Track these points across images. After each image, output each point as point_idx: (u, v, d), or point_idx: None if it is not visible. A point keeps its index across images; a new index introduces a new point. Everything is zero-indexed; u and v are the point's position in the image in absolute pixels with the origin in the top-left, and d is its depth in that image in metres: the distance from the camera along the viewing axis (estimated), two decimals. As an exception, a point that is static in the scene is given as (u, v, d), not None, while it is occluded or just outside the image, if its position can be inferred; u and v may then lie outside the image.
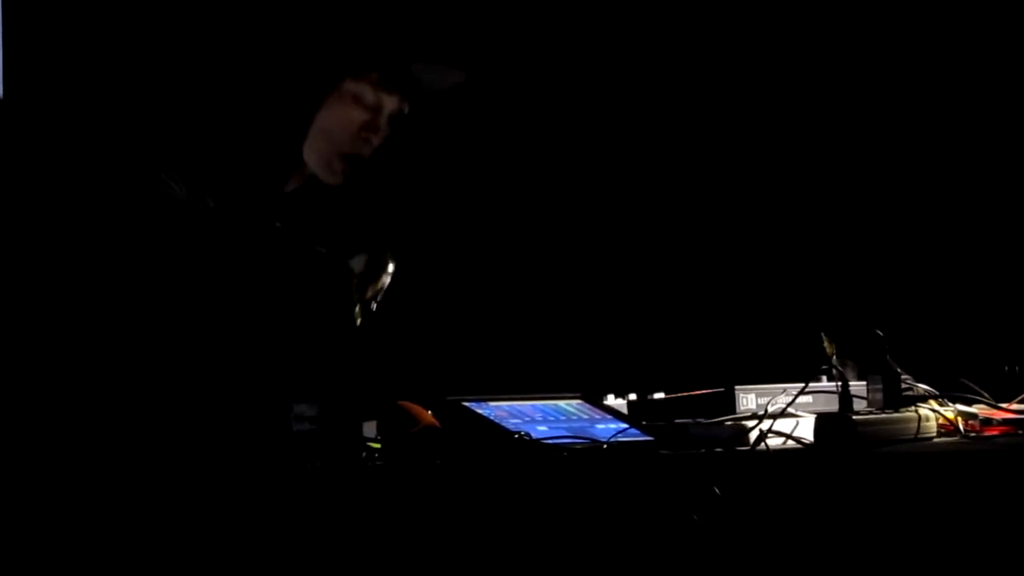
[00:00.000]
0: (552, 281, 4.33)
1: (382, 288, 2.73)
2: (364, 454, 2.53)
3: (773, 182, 4.42)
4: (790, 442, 2.58)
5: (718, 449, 2.50)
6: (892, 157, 4.37)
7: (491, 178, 4.31)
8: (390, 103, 2.79)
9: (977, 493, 2.32)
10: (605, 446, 2.51)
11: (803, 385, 2.81)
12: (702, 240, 4.41)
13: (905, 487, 2.33)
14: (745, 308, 4.33)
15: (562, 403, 2.80)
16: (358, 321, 2.67)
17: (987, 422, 2.75)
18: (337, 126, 2.77)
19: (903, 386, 2.80)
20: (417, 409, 2.61)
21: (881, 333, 2.82)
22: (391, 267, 2.73)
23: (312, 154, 2.80)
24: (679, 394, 2.98)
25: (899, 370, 2.81)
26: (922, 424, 2.67)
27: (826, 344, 2.85)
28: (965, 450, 2.56)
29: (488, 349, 4.16)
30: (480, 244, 4.27)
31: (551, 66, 4.34)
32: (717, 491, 2.27)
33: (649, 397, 3.05)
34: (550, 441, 2.49)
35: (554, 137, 4.37)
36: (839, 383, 2.79)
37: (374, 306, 2.73)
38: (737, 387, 2.90)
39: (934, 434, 2.70)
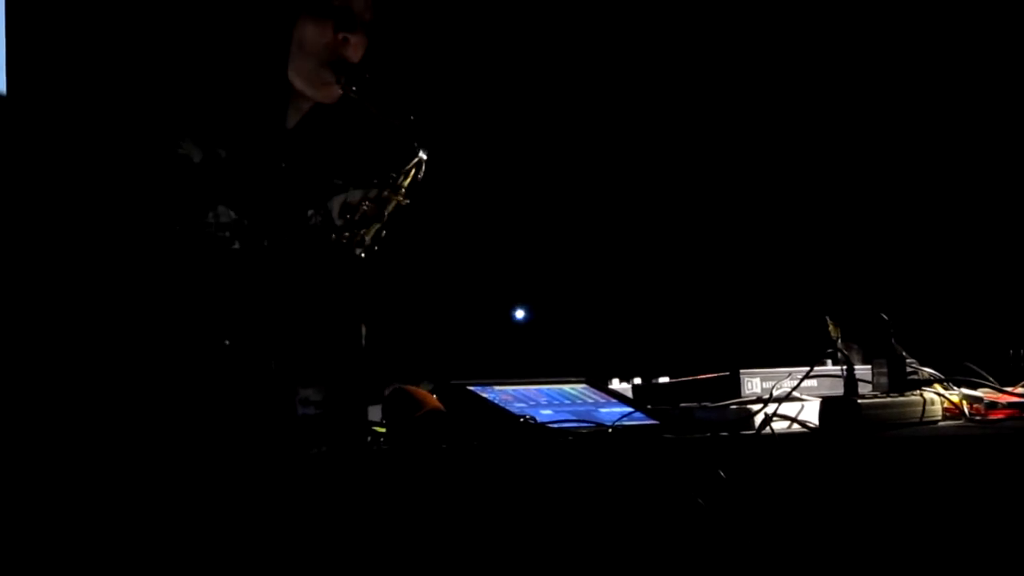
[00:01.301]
0: (557, 266, 4.33)
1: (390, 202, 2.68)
2: (369, 438, 2.53)
3: (778, 168, 4.41)
4: (795, 426, 2.58)
5: (723, 433, 2.50)
6: (896, 143, 4.37)
7: (499, 164, 4.31)
8: (356, 2, 2.81)
9: (982, 477, 2.32)
10: (610, 430, 2.51)
11: (808, 369, 2.81)
12: (707, 225, 4.41)
13: (910, 471, 2.33)
14: (750, 292, 4.33)
15: (567, 387, 2.80)
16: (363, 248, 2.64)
17: (992, 406, 2.75)
18: (311, 37, 2.79)
19: (908, 370, 2.80)
20: (422, 393, 2.61)
21: (886, 317, 2.82)
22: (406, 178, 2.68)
23: (299, 77, 2.81)
24: (684, 378, 2.98)
25: (904, 354, 2.81)
26: (927, 408, 2.67)
27: (831, 328, 2.84)
28: (970, 434, 2.56)
29: (493, 334, 4.17)
30: (487, 229, 4.27)
31: (561, 52, 4.34)
32: (722, 475, 2.27)
33: (654, 381, 3.04)
34: (555, 425, 2.49)
35: (560, 123, 4.36)
36: (844, 367, 2.78)
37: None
38: (742, 371, 2.89)
39: (939, 418, 2.70)
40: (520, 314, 3.02)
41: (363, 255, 2.62)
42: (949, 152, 4.32)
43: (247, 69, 2.80)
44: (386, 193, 2.64)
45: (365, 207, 2.62)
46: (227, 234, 2.66)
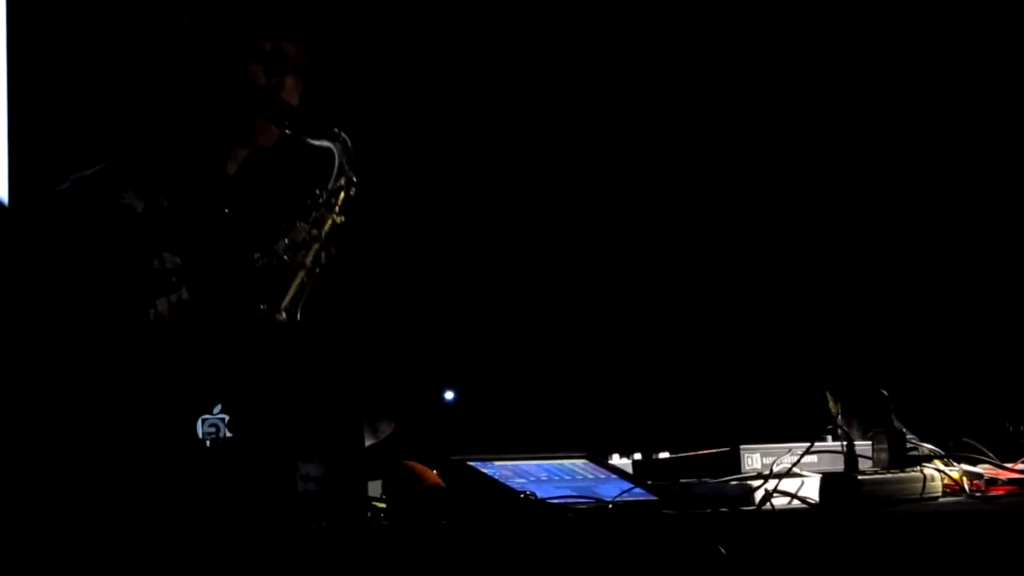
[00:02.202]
0: (558, 340, 4.34)
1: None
2: (369, 514, 2.53)
3: (778, 242, 4.43)
4: (795, 502, 2.58)
5: (723, 509, 2.49)
6: (893, 216, 4.39)
7: (497, 232, 4.32)
8: (288, 47, 2.85)
9: (984, 554, 2.31)
10: (610, 506, 2.51)
11: (808, 444, 2.81)
12: (707, 300, 4.42)
13: (911, 548, 2.33)
14: (750, 367, 4.33)
15: (567, 462, 2.80)
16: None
17: (992, 482, 2.74)
18: (249, 82, 2.82)
19: (908, 446, 2.80)
20: (422, 469, 2.61)
21: (886, 392, 2.82)
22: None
23: (240, 122, 2.84)
24: (684, 453, 2.98)
25: (904, 429, 2.81)
26: (927, 484, 2.66)
27: (831, 403, 2.85)
28: (971, 510, 2.55)
29: (494, 408, 4.16)
30: (486, 304, 4.28)
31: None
32: (723, 551, 2.26)
33: (654, 456, 3.04)
34: (555, 501, 2.49)
35: (556, 181, 4.38)
36: (844, 443, 2.78)
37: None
38: (742, 446, 2.89)
39: (939, 494, 2.69)
40: (449, 395, 3.02)
41: (305, 278, 2.65)
42: (944, 229, 4.34)
43: (185, 117, 2.84)
44: (321, 212, 2.69)
45: (305, 232, 2.67)
46: (173, 279, 2.68)
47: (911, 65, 4.35)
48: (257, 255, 2.76)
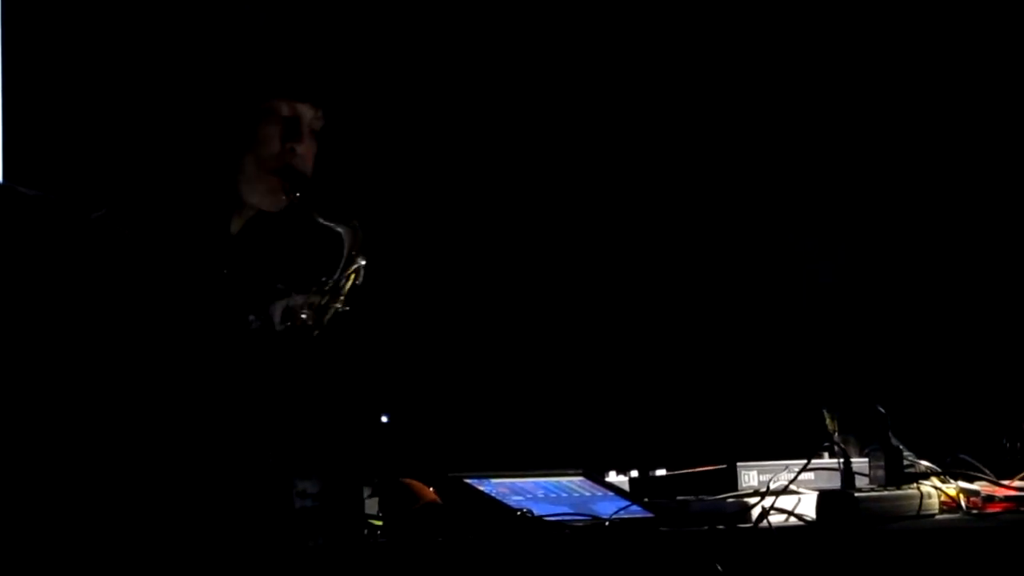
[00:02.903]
0: (555, 357, 4.34)
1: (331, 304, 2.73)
2: (366, 531, 2.53)
3: (775, 259, 4.43)
4: (792, 519, 2.58)
5: (720, 526, 2.49)
6: (890, 233, 4.39)
7: (496, 247, 4.32)
8: (305, 112, 2.83)
9: (980, 570, 2.31)
10: (607, 523, 2.51)
11: (805, 462, 2.81)
12: (704, 317, 4.42)
13: (908, 565, 2.33)
14: (747, 385, 4.33)
15: (564, 479, 2.80)
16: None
17: (989, 499, 2.75)
18: (260, 146, 2.81)
19: (905, 463, 2.80)
20: (419, 486, 2.61)
21: (883, 409, 2.82)
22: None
23: (245, 185, 2.82)
24: (681, 471, 2.98)
25: (901, 447, 2.81)
26: (924, 501, 2.66)
27: (828, 421, 2.85)
28: (968, 527, 2.55)
29: (490, 425, 4.16)
30: (483, 319, 4.28)
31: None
32: (720, 568, 2.26)
33: (651, 473, 3.04)
34: (552, 518, 2.49)
35: (551, 196, 4.39)
36: (841, 460, 2.78)
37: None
38: (739, 464, 2.89)
39: (936, 511, 2.69)
40: (383, 418, 3.04)
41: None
42: (941, 244, 4.34)
43: (193, 175, 2.82)
44: (325, 300, 2.68)
45: (304, 315, 2.66)
46: (167, 332, 2.67)
47: (905, 76, 4.36)
48: (252, 317, 2.76)
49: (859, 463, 2.81)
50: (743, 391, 4.32)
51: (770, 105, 4.43)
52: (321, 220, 2.75)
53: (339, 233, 2.73)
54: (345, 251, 2.72)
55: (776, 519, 2.54)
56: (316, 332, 2.66)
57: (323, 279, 2.71)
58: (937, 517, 2.68)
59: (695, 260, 4.45)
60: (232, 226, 2.86)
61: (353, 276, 2.71)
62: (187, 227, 2.75)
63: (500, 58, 4.31)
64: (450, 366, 4.20)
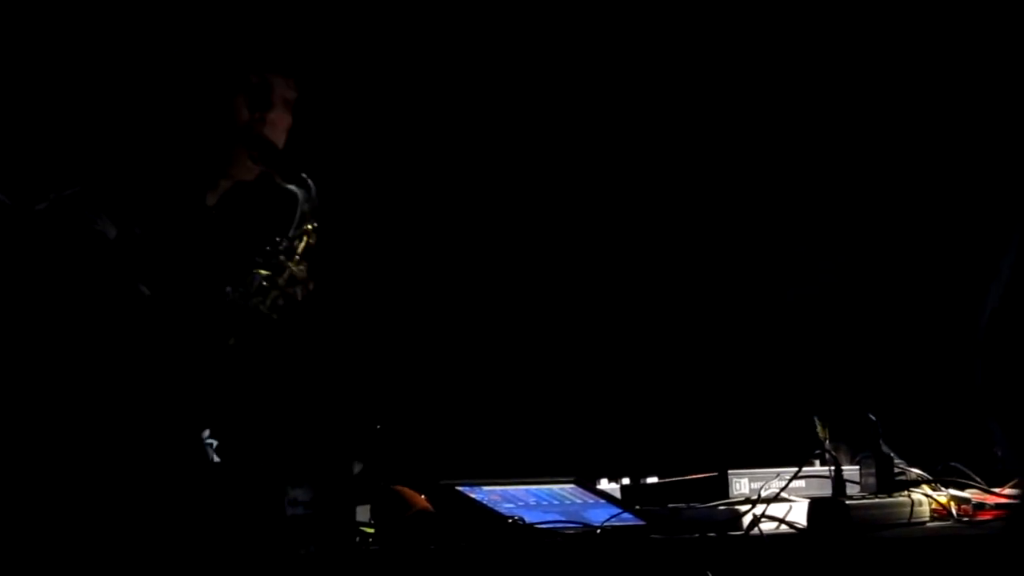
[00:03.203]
0: (547, 365, 4.34)
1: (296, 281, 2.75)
2: (358, 539, 2.53)
3: (766, 267, 4.44)
4: (783, 527, 2.58)
5: (711, 534, 2.49)
6: (881, 240, 4.40)
7: (487, 253, 4.32)
8: (276, 82, 2.85)
9: (971, 578, 2.32)
10: (598, 531, 2.51)
11: (796, 469, 2.81)
12: (695, 324, 4.42)
13: (899, 572, 2.33)
14: (738, 392, 4.33)
15: (556, 487, 2.80)
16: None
17: (980, 507, 2.75)
18: (230, 115, 2.82)
19: (896, 470, 2.80)
20: (411, 493, 2.61)
21: (874, 417, 2.83)
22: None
23: (218, 154, 2.83)
24: (672, 478, 2.98)
25: (892, 454, 2.81)
26: (915, 509, 2.67)
27: (819, 428, 2.85)
28: (958, 535, 2.55)
29: (482, 432, 4.16)
30: (476, 328, 4.28)
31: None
32: (711, 576, 2.26)
33: (642, 481, 3.04)
34: (543, 526, 2.49)
35: (547, 202, 4.39)
36: (832, 467, 2.79)
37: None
38: (730, 471, 2.89)
39: (927, 519, 2.70)
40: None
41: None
42: (933, 253, 4.35)
43: (165, 144, 2.84)
44: (281, 259, 2.70)
45: (264, 279, 2.68)
46: (144, 308, 2.68)
47: (904, 79, 4.36)
48: (229, 289, 2.76)
49: (850, 471, 2.81)
50: (734, 399, 4.32)
51: (767, 107, 4.43)
52: (279, 182, 2.77)
53: (296, 192, 2.76)
54: (298, 210, 2.75)
55: (767, 527, 2.54)
56: (276, 294, 2.68)
57: (277, 238, 2.73)
58: (928, 525, 2.68)
59: (686, 268, 4.45)
60: (208, 199, 2.87)
61: (306, 237, 2.73)
62: (164, 202, 2.77)
63: (498, 54, 4.31)
64: (442, 374, 4.20)
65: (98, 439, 2.53)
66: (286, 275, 2.71)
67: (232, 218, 2.89)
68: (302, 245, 2.74)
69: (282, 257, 2.72)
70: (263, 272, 2.70)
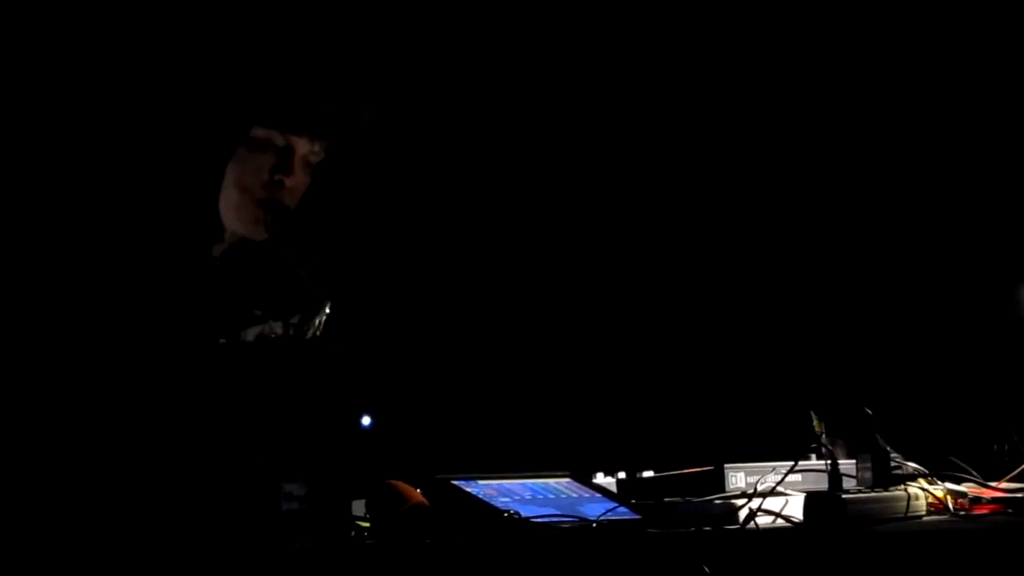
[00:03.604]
0: (542, 358, 4.34)
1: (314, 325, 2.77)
2: (353, 533, 2.52)
3: (762, 260, 4.44)
4: (779, 521, 2.58)
5: (707, 528, 2.49)
6: (878, 234, 4.40)
7: (484, 248, 4.32)
8: (301, 145, 2.76)
9: (967, 572, 2.32)
10: (594, 525, 2.50)
11: (792, 463, 2.81)
12: (691, 319, 4.42)
13: (895, 566, 2.33)
14: (734, 386, 4.33)
15: (551, 481, 2.79)
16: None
17: (976, 501, 2.75)
18: (247, 174, 2.73)
19: (892, 464, 2.80)
20: (406, 487, 2.60)
21: (870, 411, 2.83)
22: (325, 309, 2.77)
23: (229, 211, 2.76)
24: (668, 472, 2.98)
25: (888, 448, 2.81)
26: (911, 503, 2.67)
27: (815, 422, 2.85)
28: (955, 529, 2.56)
29: (478, 426, 4.16)
30: (470, 321, 4.28)
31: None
32: (707, 570, 2.26)
33: (638, 475, 3.04)
34: (539, 520, 2.49)
35: (539, 195, 4.39)
36: (828, 461, 2.79)
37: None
38: (726, 465, 2.89)
39: (923, 513, 2.70)
40: (366, 420, 3.04)
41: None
42: (930, 247, 4.35)
43: (178, 197, 2.78)
44: (294, 334, 2.70)
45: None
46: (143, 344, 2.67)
47: (902, 81, 4.36)
48: (222, 341, 2.73)
49: (847, 465, 2.81)
50: (730, 393, 4.32)
51: (763, 106, 4.43)
52: (291, 259, 2.74)
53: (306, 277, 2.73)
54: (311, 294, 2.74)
55: (763, 521, 2.54)
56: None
57: (292, 320, 2.72)
58: (924, 519, 2.68)
59: (682, 262, 4.45)
60: (214, 250, 2.82)
61: (318, 321, 2.74)
62: (168, 246, 2.72)
63: (496, 57, 4.31)
64: (437, 368, 4.20)
65: (85, 431, 2.53)
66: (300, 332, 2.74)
67: (238, 270, 2.84)
68: (312, 330, 2.75)
69: (296, 334, 2.73)
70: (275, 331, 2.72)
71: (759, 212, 4.46)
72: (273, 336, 2.69)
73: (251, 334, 2.73)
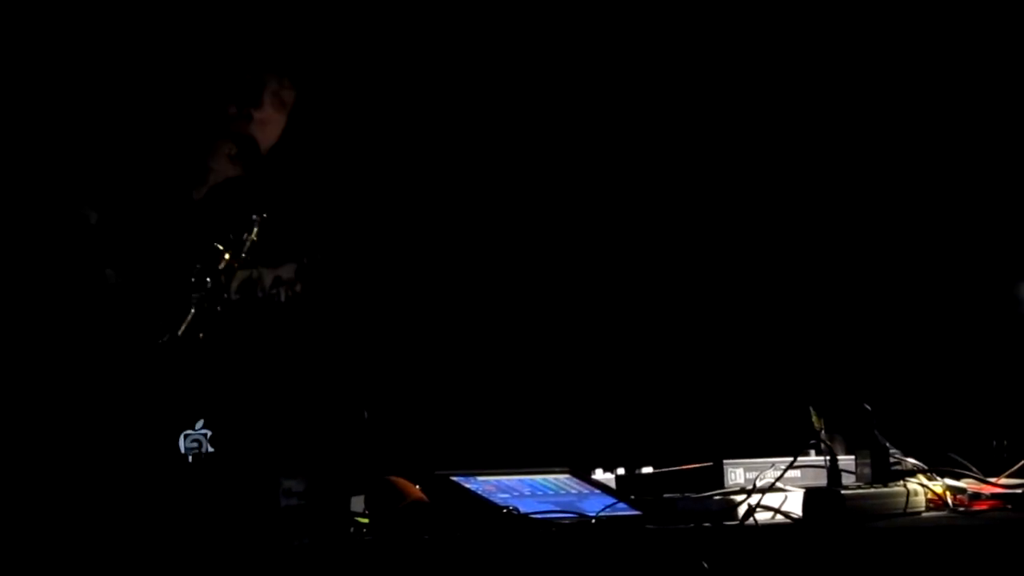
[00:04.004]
0: (541, 354, 4.33)
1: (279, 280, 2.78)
2: (352, 529, 2.52)
3: (762, 256, 4.43)
4: (779, 516, 2.58)
5: (706, 524, 2.49)
6: (881, 231, 4.39)
7: (483, 243, 4.32)
8: (270, 80, 2.83)
9: (966, 568, 2.32)
10: (593, 521, 2.51)
11: (791, 459, 2.81)
12: (691, 314, 4.42)
13: (894, 562, 2.33)
14: (733, 382, 4.33)
15: (550, 477, 2.80)
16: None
17: (976, 497, 2.75)
18: (218, 109, 2.80)
19: (891, 460, 2.80)
20: (405, 484, 2.60)
21: (869, 407, 2.82)
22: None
23: (203, 147, 2.83)
24: (667, 468, 2.98)
25: (887, 444, 2.81)
26: (911, 499, 2.67)
27: (814, 418, 2.85)
28: (954, 525, 2.55)
29: (477, 422, 4.16)
30: (470, 317, 4.28)
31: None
32: (705, 566, 2.26)
33: (637, 471, 3.04)
34: (538, 516, 2.49)
35: (540, 190, 4.38)
36: (827, 457, 2.79)
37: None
38: (725, 461, 2.89)
39: (923, 509, 2.70)
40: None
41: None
42: (929, 243, 4.34)
43: (159, 139, 2.83)
44: (228, 255, 2.71)
45: (273, 289, 2.69)
46: (111, 293, 2.69)
47: (900, 81, 4.36)
48: (208, 280, 2.76)
49: (846, 461, 2.81)
50: (730, 389, 4.32)
51: (764, 102, 4.43)
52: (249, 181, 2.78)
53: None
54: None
55: (762, 516, 2.54)
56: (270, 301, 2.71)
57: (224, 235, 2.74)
58: (923, 515, 2.68)
59: (681, 258, 4.44)
60: (195, 193, 2.86)
61: (252, 234, 2.75)
62: (147, 192, 2.76)
63: (496, 54, 4.31)
64: (436, 364, 4.19)
65: (73, 430, 2.53)
66: (223, 264, 2.72)
67: (220, 213, 2.87)
68: (247, 244, 2.74)
69: (230, 251, 2.73)
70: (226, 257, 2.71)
71: (758, 208, 4.45)
72: (258, 284, 2.70)
73: (236, 281, 2.75)
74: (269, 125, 2.83)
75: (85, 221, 2.68)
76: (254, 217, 2.76)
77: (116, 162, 2.79)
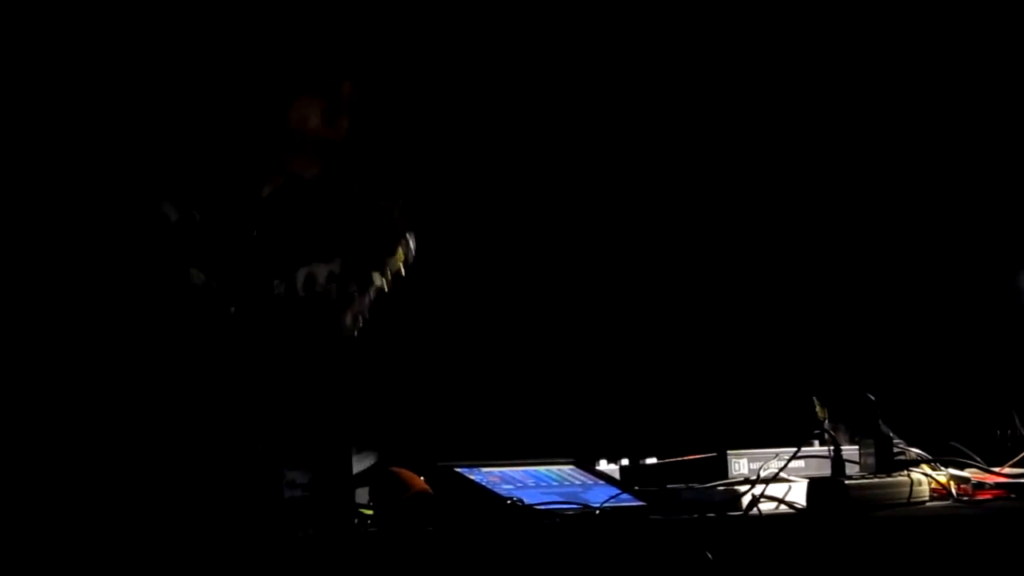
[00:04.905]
0: (545, 345, 4.33)
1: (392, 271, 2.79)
2: (356, 521, 2.52)
3: (765, 247, 4.43)
4: (783, 507, 2.58)
5: (710, 514, 2.50)
6: (883, 222, 4.39)
7: (487, 238, 4.32)
8: (345, 86, 2.85)
9: (970, 558, 2.32)
10: (597, 511, 2.51)
11: (795, 450, 2.81)
12: (694, 305, 4.42)
13: (898, 552, 2.33)
14: (737, 373, 4.33)
15: (554, 468, 2.80)
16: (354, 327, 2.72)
17: (980, 486, 2.75)
18: (299, 114, 2.81)
19: (895, 450, 2.80)
20: (409, 475, 2.60)
21: (873, 397, 2.82)
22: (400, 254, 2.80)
23: (283, 151, 2.83)
24: (671, 459, 2.98)
25: (891, 434, 2.81)
26: (915, 488, 2.67)
27: (818, 408, 2.85)
28: (958, 514, 2.56)
29: (481, 414, 4.16)
30: (473, 307, 4.28)
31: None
32: (710, 556, 2.26)
33: (641, 462, 3.04)
34: (542, 507, 2.49)
35: (546, 192, 4.38)
36: (831, 448, 2.79)
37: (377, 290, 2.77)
38: (729, 452, 2.89)
39: (927, 498, 2.70)
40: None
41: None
42: (933, 236, 4.34)
43: (230, 136, 2.83)
44: (378, 283, 2.71)
45: (327, 285, 2.69)
46: (198, 297, 2.68)
47: (899, 80, 4.36)
48: (277, 281, 2.77)
49: (849, 451, 2.81)
50: (733, 379, 4.32)
51: (763, 97, 4.43)
52: (363, 193, 2.79)
53: (382, 208, 2.79)
54: (396, 231, 2.77)
55: (766, 507, 2.54)
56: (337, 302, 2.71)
57: (373, 256, 2.75)
58: (927, 504, 2.68)
59: (684, 249, 4.44)
60: (264, 190, 2.87)
61: (404, 257, 2.76)
62: (218, 186, 2.77)
63: (497, 54, 4.31)
64: (440, 355, 4.20)
65: (94, 426, 2.53)
66: (374, 291, 2.75)
67: (287, 213, 2.88)
68: (400, 269, 2.77)
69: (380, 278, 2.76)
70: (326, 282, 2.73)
71: (760, 201, 4.45)
72: (318, 277, 2.72)
73: (300, 275, 2.76)
74: (343, 129, 2.85)
75: (166, 219, 2.67)
76: (411, 245, 2.80)
77: (195, 156, 2.79)
